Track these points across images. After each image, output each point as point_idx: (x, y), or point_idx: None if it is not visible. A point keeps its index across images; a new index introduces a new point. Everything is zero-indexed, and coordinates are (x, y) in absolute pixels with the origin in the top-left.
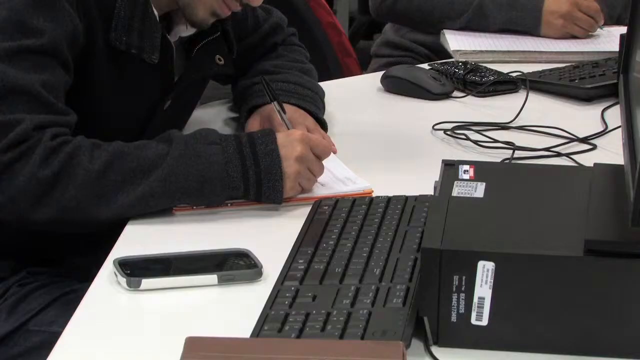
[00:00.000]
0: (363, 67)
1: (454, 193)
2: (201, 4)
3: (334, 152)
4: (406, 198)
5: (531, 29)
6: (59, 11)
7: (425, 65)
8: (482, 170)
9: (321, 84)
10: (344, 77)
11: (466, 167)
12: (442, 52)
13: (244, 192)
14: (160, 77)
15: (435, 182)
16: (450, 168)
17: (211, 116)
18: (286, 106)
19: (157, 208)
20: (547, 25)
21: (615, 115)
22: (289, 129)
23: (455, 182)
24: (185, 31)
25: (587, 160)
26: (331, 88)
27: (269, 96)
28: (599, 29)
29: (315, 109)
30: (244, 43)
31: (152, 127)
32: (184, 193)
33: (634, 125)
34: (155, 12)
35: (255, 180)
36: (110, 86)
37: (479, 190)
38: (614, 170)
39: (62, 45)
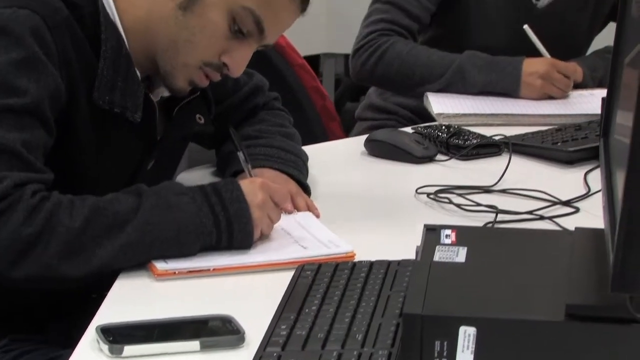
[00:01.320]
0: (349, 129)
1: (436, 258)
2: (181, 73)
3: (317, 216)
4: (389, 263)
5: (510, 91)
6: (42, 71)
7: (409, 129)
8: (463, 235)
9: (305, 147)
10: (328, 140)
11: (448, 231)
12: (426, 115)
13: (217, 238)
14: (143, 137)
15: (417, 246)
16: (432, 232)
17: (195, 180)
18: (268, 171)
19: (136, 260)
20: (526, 86)
21: (598, 178)
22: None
23: (437, 247)
24: (166, 91)
25: (570, 223)
26: (315, 152)
27: (235, 146)
28: (583, 91)
29: (298, 173)
30: (224, 105)
31: None
32: (161, 242)
33: (614, 189)
34: (138, 72)
35: (226, 225)
36: (93, 145)
37: (460, 255)
38: (595, 234)
39: (45, 105)
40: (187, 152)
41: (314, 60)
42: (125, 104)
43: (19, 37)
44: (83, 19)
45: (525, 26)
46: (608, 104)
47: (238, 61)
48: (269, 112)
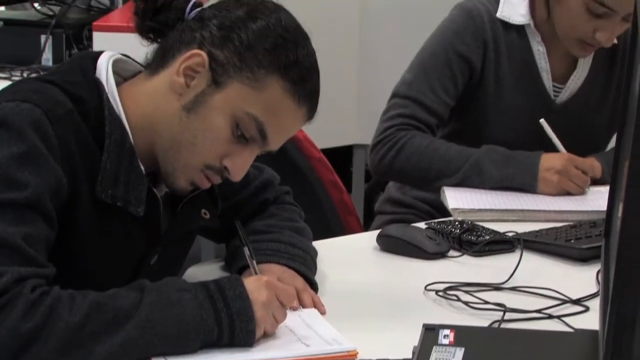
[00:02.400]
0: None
1: (432, 359)
2: (182, 174)
3: (323, 313)
4: None
5: (527, 186)
6: (43, 166)
7: (422, 224)
8: (463, 335)
9: (319, 242)
10: (345, 234)
11: (447, 331)
12: (443, 210)
13: (218, 335)
14: (146, 231)
15: (414, 347)
16: (430, 332)
17: (203, 275)
18: (275, 266)
19: (135, 357)
20: (544, 182)
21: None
22: (256, 274)
23: (434, 348)
24: None
25: (579, 322)
26: (327, 246)
27: (241, 241)
28: (600, 188)
29: (305, 269)
30: (233, 200)
31: None
32: (161, 339)
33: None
34: (142, 166)
35: (228, 322)
36: (95, 239)
37: (457, 356)
38: (595, 336)
39: (46, 199)
40: None
41: (346, 151)
42: (128, 197)
43: (20, 130)
44: (87, 112)
45: (542, 120)
46: (611, 203)
47: (239, 166)
48: (279, 207)
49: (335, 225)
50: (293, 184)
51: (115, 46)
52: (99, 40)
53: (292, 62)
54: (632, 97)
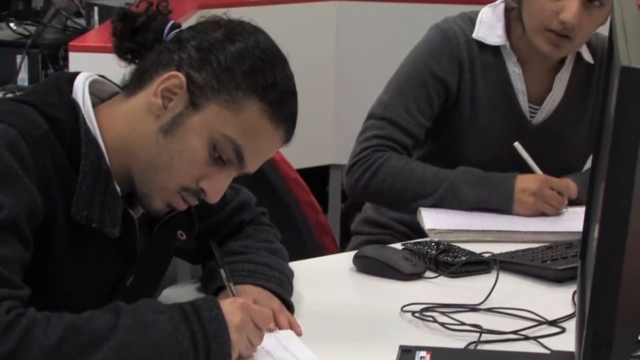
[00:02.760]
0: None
1: None
2: (158, 196)
3: (299, 334)
4: None
5: (503, 207)
6: (18, 187)
7: (399, 245)
8: (439, 357)
9: (295, 263)
10: (321, 255)
11: (423, 353)
12: (420, 230)
13: (194, 357)
14: (122, 252)
15: None
16: (407, 354)
17: (179, 296)
18: (251, 287)
19: None
20: (519, 203)
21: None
22: (234, 296)
23: None
24: None
25: (556, 344)
26: (304, 267)
27: (217, 263)
28: (576, 208)
29: (281, 290)
30: (209, 221)
31: None
32: None
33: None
34: (118, 188)
35: (204, 344)
36: (71, 260)
37: None
38: (572, 357)
39: (21, 220)
40: None
41: (322, 171)
42: (104, 219)
43: None
44: (63, 133)
45: (516, 143)
46: (586, 224)
47: (216, 187)
48: (255, 228)
49: (311, 246)
50: (269, 204)
51: (92, 66)
52: (75, 60)
53: (270, 84)
54: (608, 118)
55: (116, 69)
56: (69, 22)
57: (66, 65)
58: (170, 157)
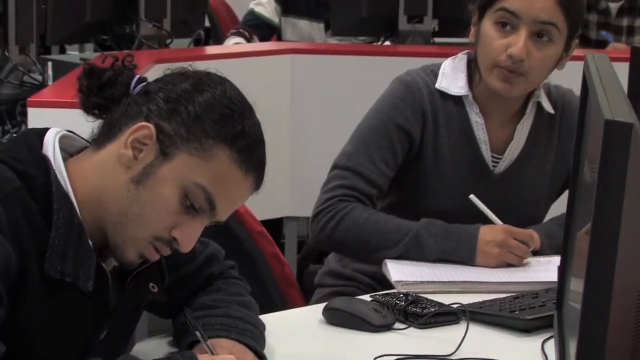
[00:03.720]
0: (311, 291)
1: None
2: (131, 247)
3: None
4: None
5: (467, 259)
6: None
7: (367, 297)
8: None
9: (263, 316)
10: (287, 308)
11: None
12: (385, 282)
13: None
14: (96, 306)
15: None
16: None
17: (153, 351)
18: (225, 341)
19: None
20: (483, 255)
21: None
22: (212, 354)
23: None
24: None
25: None
26: (274, 320)
27: (191, 326)
28: (540, 258)
29: (254, 343)
30: (178, 274)
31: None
32: None
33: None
34: (90, 242)
35: None
36: (45, 316)
37: None
38: None
39: None
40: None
41: (276, 224)
42: (77, 273)
43: None
44: (35, 189)
45: (471, 196)
46: (562, 274)
47: (188, 236)
48: (225, 281)
49: (277, 299)
50: (236, 257)
51: (51, 122)
52: (34, 116)
53: (239, 132)
54: (582, 169)
55: (77, 124)
56: (25, 78)
57: (24, 121)
58: (142, 207)
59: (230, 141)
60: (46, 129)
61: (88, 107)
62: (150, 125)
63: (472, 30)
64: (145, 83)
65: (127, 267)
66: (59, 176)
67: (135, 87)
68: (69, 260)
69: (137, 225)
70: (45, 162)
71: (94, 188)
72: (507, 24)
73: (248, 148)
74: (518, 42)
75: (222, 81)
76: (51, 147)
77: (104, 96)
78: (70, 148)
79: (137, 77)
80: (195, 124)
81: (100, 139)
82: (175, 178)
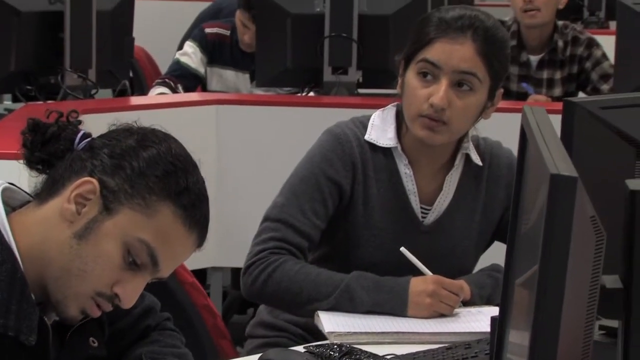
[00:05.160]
0: (237, 342)
1: None
2: (73, 302)
3: None
4: None
5: (397, 311)
6: None
7: (301, 348)
8: None
9: None
10: (218, 359)
11: None
12: (317, 333)
13: None
14: None
15: None
16: None
17: None
18: None
19: None
20: (415, 305)
21: None
22: None
23: None
24: None
25: None
26: None
27: None
28: (471, 309)
29: None
30: (116, 326)
31: None
32: None
33: None
34: (33, 296)
35: None
36: None
37: None
38: None
39: None
40: None
41: (200, 274)
42: (20, 327)
43: None
44: None
45: (402, 248)
46: (500, 326)
47: (130, 293)
48: (161, 333)
49: (209, 350)
50: (168, 309)
51: None
52: None
53: (183, 189)
54: (520, 222)
55: (19, 176)
56: None
57: None
58: (84, 262)
59: (174, 197)
60: None
61: (32, 162)
62: (94, 180)
63: (399, 81)
64: (90, 139)
65: (68, 322)
66: (2, 229)
67: (79, 142)
68: (11, 314)
69: (79, 280)
70: None
71: (36, 243)
72: (429, 73)
73: (192, 205)
74: (439, 91)
75: (167, 138)
76: None
77: (47, 152)
78: (13, 201)
79: (82, 132)
80: (140, 179)
81: (44, 194)
82: (118, 233)
